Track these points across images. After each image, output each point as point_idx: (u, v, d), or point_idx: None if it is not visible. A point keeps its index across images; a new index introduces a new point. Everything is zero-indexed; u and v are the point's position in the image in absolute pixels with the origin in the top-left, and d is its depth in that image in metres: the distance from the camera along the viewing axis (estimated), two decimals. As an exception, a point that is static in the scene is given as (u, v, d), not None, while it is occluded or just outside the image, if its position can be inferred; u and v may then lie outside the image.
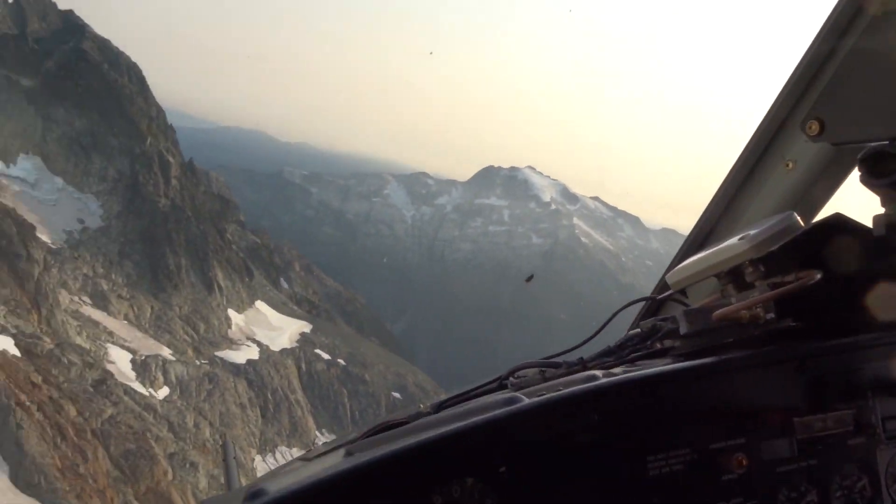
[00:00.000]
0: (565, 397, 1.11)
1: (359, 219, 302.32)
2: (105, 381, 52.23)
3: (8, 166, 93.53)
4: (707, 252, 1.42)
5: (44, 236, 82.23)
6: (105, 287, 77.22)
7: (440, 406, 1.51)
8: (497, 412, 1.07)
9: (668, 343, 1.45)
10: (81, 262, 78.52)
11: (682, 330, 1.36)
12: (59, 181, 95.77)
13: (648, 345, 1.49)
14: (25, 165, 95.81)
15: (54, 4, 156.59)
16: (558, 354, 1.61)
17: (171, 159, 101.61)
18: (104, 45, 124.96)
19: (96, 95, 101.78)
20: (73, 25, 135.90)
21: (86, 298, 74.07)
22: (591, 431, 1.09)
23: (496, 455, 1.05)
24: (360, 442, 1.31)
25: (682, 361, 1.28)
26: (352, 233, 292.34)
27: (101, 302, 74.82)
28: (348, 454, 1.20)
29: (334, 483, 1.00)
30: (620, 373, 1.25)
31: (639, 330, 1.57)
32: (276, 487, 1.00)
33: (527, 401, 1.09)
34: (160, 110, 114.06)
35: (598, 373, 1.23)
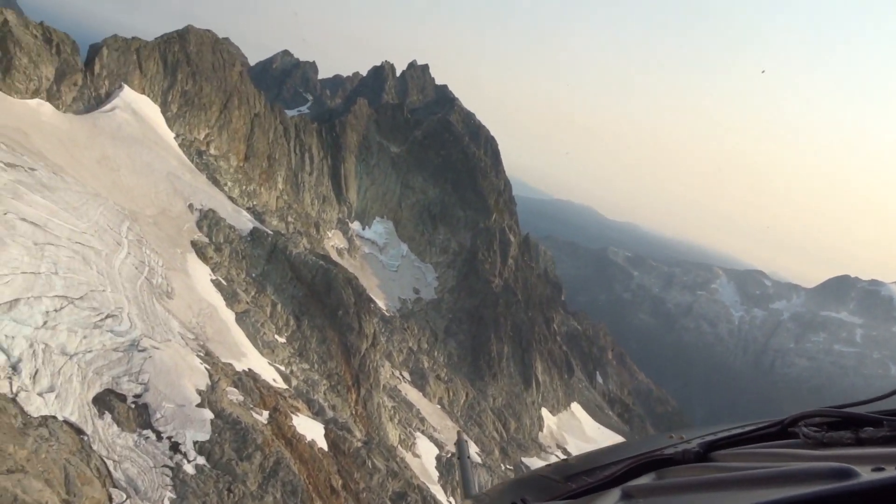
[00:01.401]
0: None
1: (679, 310, 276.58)
2: (405, 497, 44.17)
3: (364, 228, 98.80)
4: None
5: (380, 301, 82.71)
6: (426, 364, 72.39)
7: (710, 446, 1.32)
8: (831, 487, 0.84)
9: None
10: (409, 335, 75.55)
11: None
12: (404, 247, 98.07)
13: None
14: (379, 228, 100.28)
15: (433, 79, 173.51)
16: (853, 405, 1.35)
17: (511, 238, 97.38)
18: (468, 118, 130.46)
19: (453, 167, 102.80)
20: (444, 98, 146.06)
21: (406, 374, 70.23)
22: None
23: None
24: (635, 483, 1.14)
25: None
26: (669, 324, 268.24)
27: (419, 381, 70.00)
28: (625, 496, 1.07)
29: None
30: None
31: None
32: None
33: (866, 477, 0.87)
34: (508, 184, 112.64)
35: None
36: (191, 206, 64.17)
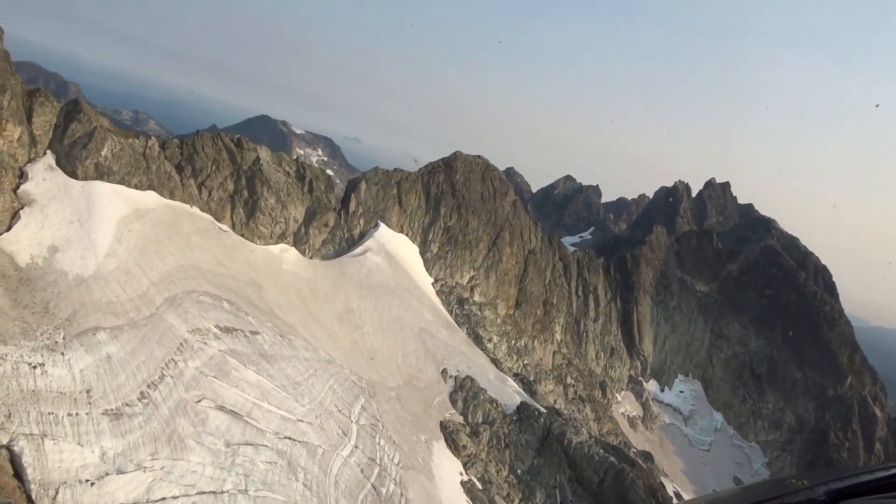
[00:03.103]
0: None
1: None
2: None
3: (663, 389, 74.20)
4: None
5: (686, 492, 56.93)
6: None
7: (839, 494, 1.26)
8: None
9: None
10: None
11: None
12: (718, 418, 70.72)
13: None
14: (682, 391, 74.70)
15: (734, 198, 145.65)
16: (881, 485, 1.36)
17: (876, 411, 64.41)
18: (790, 244, 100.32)
19: (784, 310, 74.34)
20: (752, 221, 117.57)
21: None
22: None
23: None
24: None
25: None
26: None
27: None
28: None
29: None
30: None
31: None
32: None
33: None
34: (849, 327, 78.79)
35: None
36: (444, 373, 48.82)
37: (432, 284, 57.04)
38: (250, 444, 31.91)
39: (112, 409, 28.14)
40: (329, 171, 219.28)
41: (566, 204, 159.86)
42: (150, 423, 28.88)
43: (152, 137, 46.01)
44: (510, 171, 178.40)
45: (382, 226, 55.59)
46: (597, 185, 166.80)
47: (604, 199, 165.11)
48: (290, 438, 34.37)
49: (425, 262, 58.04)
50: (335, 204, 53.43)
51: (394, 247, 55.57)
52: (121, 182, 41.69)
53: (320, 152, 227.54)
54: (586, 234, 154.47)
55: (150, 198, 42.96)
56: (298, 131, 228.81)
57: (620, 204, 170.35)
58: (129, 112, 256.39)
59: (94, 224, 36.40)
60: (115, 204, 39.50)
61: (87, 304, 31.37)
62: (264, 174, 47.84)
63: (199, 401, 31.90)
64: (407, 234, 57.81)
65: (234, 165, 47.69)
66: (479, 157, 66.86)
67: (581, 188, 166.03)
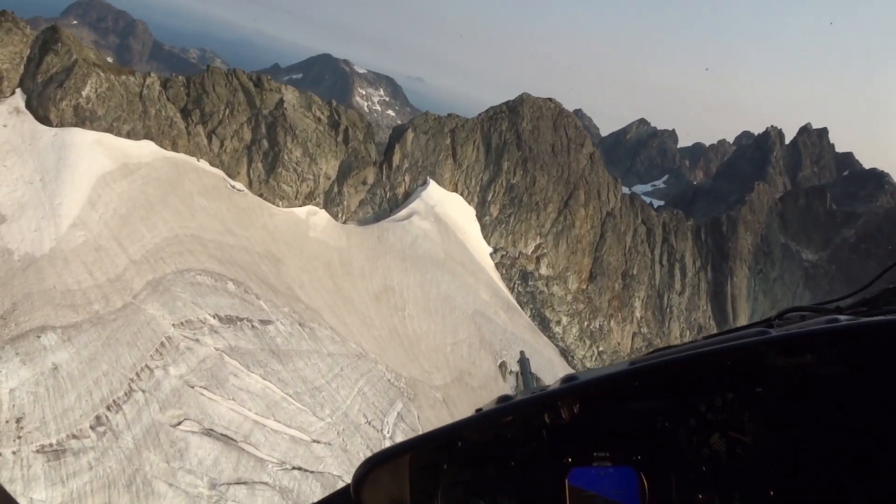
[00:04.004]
0: (803, 333, 1.22)
1: None
2: None
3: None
4: None
5: None
6: None
7: (707, 336, 1.60)
8: (748, 340, 1.23)
9: None
10: None
11: None
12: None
13: None
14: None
15: (832, 146, 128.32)
16: (827, 302, 1.69)
17: None
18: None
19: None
20: (858, 174, 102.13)
21: None
22: (833, 366, 1.16)
23: (752, 377, 1.21)
24: (644, 357, 1.47)
25: None
26: None
27: None
28: (632, 363, 1.36)
29: (615, 378, 1.29)
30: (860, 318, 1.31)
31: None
32: (582, 377, 1.31)
33: (772, 333, 1.24)
34: None
35: (841, 317, 1.32)
36: (502, 367, 40.04)
37: (490, 255, 47.75)
38: (244, 483, 24.21)
39: (51, 445, 20.85)
40: (390, 112, 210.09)
41: (638, 149, 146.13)
42: (104, 461, 21.53)
43: (152, 75, 37.79)
44: (579, 113, 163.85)
45: (432, 183, 46.28)
46: (673, 130, 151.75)
47: (679, 145, 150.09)
48: (300, 469, 26.57)
49: (483, 227, 48.62)
50: (375, 157, 44.36)
51: (445, 209, 46.29)
52: (108, 130, 33.70)
53: (382, 92, 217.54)
54: (659, 183, 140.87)
55: (146, 149, 34.96)
56: (360, 70, 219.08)
57: (696, 150, 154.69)
58: (195, 50, 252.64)
59: (61, 184, 28.68)
60: (94, 157, 31.61)
61: (34, 295, 23.81)
62: (289, 120, 39.01)
63: (179, 423, 24.30)
64: (462, 194, 48.36)
65: (251, 110, 39.08)
66: (549, 100, 55.86)
67: (655, 132, 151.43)
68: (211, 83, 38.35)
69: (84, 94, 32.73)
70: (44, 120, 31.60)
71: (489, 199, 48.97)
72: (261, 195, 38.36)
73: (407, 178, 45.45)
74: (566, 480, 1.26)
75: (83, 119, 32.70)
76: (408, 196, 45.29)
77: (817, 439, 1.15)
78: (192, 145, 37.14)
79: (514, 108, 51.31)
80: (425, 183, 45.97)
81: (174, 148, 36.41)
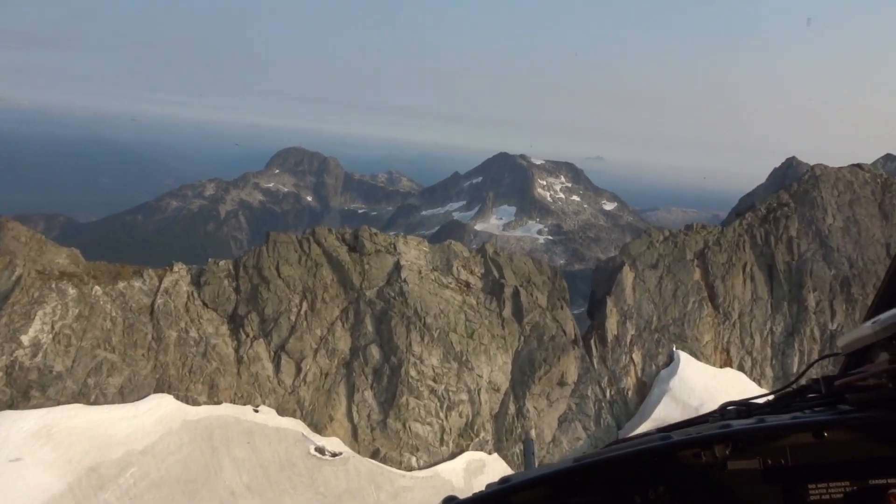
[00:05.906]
0: (692, 439, 1.30)
1: None
2: None
3: None
4: (867, 324, 1.59)
5: None
6: None
7: (667, 429, 1.71)
8: (652, 445, 1.30)
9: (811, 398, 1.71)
10: None
11: (823, 389, 1.68)
12: None
13: (807, 397, 1.73)
14: None
15: None
16: (760, 396, 1.84)
17: None
18: None
19: None
20: None
21: None
22: (722, 468, 1.27)
23: (657, 476, 1.27)
24: (589, 454, 1.48)
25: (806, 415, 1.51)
26: None
27: None
28: (576, 460, 1.40)
29: (557, 476, 1.29)
30: (753, 422, 1.43)
31: (803, 383, 1.80)
32: (517, 478, 1.34)
33: (673, 438, 1.32)
34: None
35: (732, 422, 1.43)
36: None
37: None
38: None
39: None
40: (575, 197, 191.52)
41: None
42: None
43: (178, 266, 22.44)
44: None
45: (683, 357, 25.12)
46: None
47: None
48: None
49: (794, 422, 25.83)
50: (573, 329, 24.63)
51: (717, 400, 24.65)
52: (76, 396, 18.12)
53: (563, 178, 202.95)
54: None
55: (160, 410, 18.88)
56: (538, 162, 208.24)
57: None
58: (383, 174, 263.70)
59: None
60: (39, 471, 15.82)
61: None
62: (411, 300, 20.99)
63: None
64: (741, 367, 26.30)
65: (347, 294, 21.97)
66: (858, 167, 32.73)
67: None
68: (272, 261, 21.82)
69: (29, 335, 17.63)
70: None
71: (790, 361, 26.47)
72: (374, 454, 20.08)
73: (637, 357, 24.99)
74: None
75: (24, 387, 17.37)
76: (644, 390, 24.59)
77: None
78: (243, 382, 20.38)
79: (801, 193, 29.13)
80: (671, 359, 25.16)
81: (212, 395, 19.89)
